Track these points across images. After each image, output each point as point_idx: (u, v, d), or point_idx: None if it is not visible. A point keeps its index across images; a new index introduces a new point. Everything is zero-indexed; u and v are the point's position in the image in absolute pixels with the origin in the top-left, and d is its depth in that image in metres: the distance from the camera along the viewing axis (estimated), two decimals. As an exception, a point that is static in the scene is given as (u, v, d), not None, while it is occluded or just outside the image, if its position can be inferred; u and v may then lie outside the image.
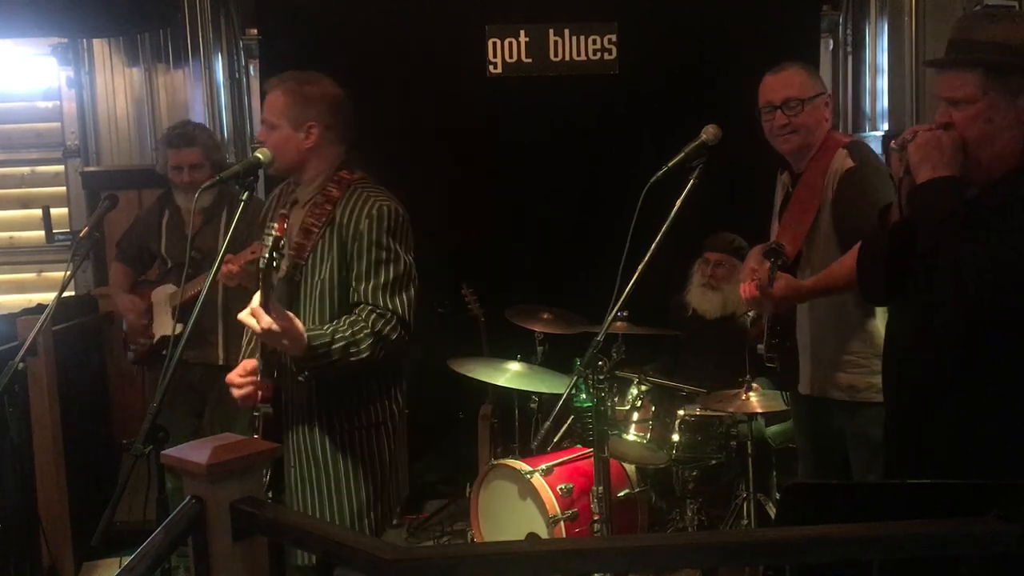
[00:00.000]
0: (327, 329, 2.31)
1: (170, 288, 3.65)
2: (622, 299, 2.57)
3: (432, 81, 4.68)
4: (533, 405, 4.18)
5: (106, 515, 2.06)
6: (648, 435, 3.67)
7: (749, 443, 3.51)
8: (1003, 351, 1.96)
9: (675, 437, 3.66)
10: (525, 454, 3.93)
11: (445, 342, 4.38)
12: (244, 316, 2.25)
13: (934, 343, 2.07)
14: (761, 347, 2.78)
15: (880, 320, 2.68)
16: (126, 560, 1.43)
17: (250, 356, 2.56)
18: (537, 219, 4.73)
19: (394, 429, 2.52)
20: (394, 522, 4.24)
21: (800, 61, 2.83)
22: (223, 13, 4.60)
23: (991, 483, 1.59)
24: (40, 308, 3.78)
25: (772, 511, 3.47)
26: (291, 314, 2.27)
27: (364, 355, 2.31)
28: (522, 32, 4.72)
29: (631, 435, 3.69)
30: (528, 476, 3.53)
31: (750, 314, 2.88)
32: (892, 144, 2.11)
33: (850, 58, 4.79)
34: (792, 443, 3.30)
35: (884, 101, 4.66)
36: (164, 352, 3.62)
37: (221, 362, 3.49)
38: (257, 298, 2.23)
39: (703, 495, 3.81)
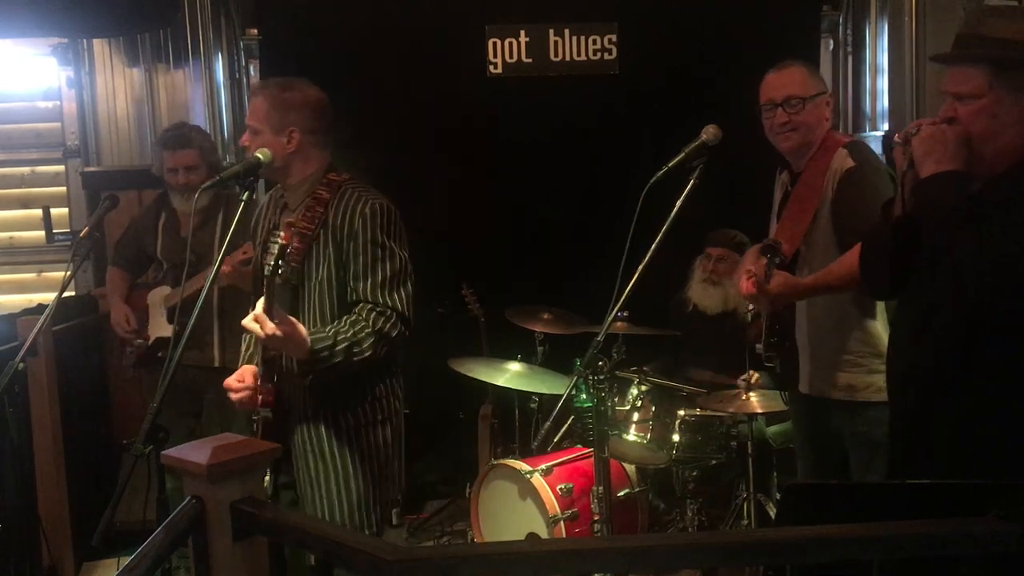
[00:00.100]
0: (329, 331, 2.32)
1: (165, 290, 3.65)
2: (622, 299, 2.57)
3: (432, 81, 4.68)
4: (533, 405, 4.18)
5: (106, 515, 2.07)
6: (648, 435, 3.67)
7: (749, 443, 3.50)
8: (1003, 352, 1.96)
9: (675, 437, 3.66)
10: (525, 454, 3.93)
11: (445, 342, 4.38)
12: (247, 322, 2.26)
13: (935, 343, 2.07)
14: (759, 346, 2.78)
15: (880, 320, 2.68)
16: (126, 560, 1.43)
17: (249, 361, 2.57)
18: (537, 219, 4.73)
19: (397, 424, 2.55)
20: (394, 522, 4.25)
21: (801, 60, 2.83)
22: (223, 13, 4.60)
23: (991, 483, 1.59)
24: (40, 308, 3.78)
25: (772, 511, 3.47)
26: (293, 319, 2.28)
27: (367, 354, 2.33)
28: (522, 32, 4.72)
29: (631, 435, 3.68)
30: (528, 476, 3.53)
31: (751, 308, 2.88)
32: (896, 138, 2.12)
33: (850, 58, 4.79)
34: (792, 443, 3.29)
35: (884, 101, 4.66)
36: (160, 354, 3.63)
37: (216, 364, 3.49)
38: (260, 304, 2.24)
39: (703, 495, 3.81)
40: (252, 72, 4.77)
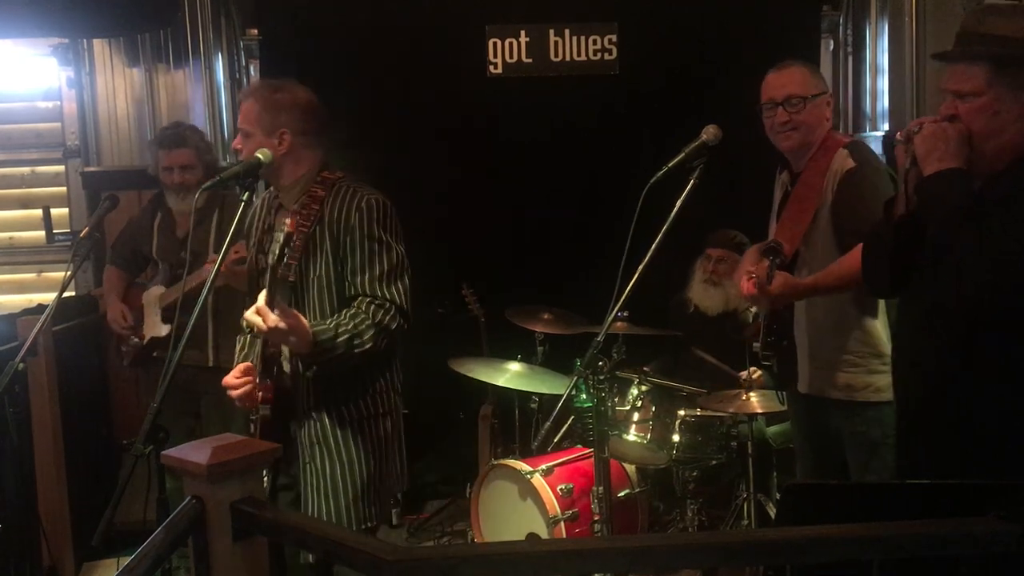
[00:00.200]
0: (330, 324, 2.35)
1: (160, 289, 3.66)
2: (622, 299, 2.57)
3: (432, 81, 4.68)
4: (533, 405, 4.18)
5: (107, 515, 2.07)
6: (648, 435, 3.67)
7: (749, 443, 3.50)
8: (1004, 350, 1.96)
9: (675, 437, 3.66)
10: (525, 454, 3.93)
11: (445, 342, 4.37)
12: (250, 315, 2.29)
13: (937, 342, 2.07)
14: (757, 345, 2.78)
15: (880, 320, 2.68)
16: (126, 560, 1.43)
17: (244, 360, 2.57)
18: (537, 219, 4.73)
19: (396, 419, 2.57)
20: (394, 522, 4.25)
21: (802, 60, 2.83)
22: (223, 13, 4.60)
23: (991, 483, 1.59)
24: (40, 308, 3.78)
25: (772, 511, 3.47)
26: (295, 311, 2.30)
27: (368, 346, 2.35)
28: (522, 32, 4.72)
29: (631, 435, 3.68)
30: (528, 476, 3.53)
31: (752, 310, 2.89)
32: (898, 136, 2.12)
33: (850, 58, 4.79)
34: (792, 443, 3.30)
35: (884, 101, 4.66)
36: (155, 354, 3.64)
37: (211, 363, 3.49)
38: (262, 297, 2.26)
39: (703, 495, 3.81)
40: (252, 72, 4.77)
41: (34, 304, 4.15)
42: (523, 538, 3.51)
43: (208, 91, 4.53)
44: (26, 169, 4.70)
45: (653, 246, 2.52)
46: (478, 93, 4.74)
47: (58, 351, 3.68)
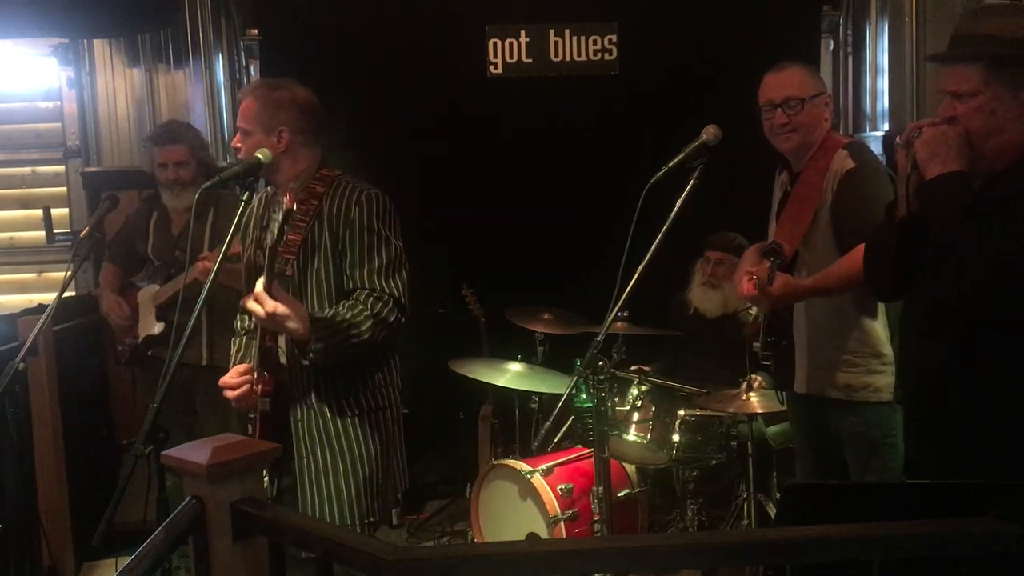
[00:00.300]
0: (328, 312, 2.36)
1: (155, 288, 3.66)
2: (622, 299, 2.57)
3: (432, 81, 4.68)
4: (533, 405, 4.18)
5: (107, 515, 2.07)
6: (648, 435, 3.67)
7: (749, 443, 3.50)
8: (1003, 351, 1.97)
9: (675, 437, 3.66)
10: (525, 454, 3.93)
11: (445, 342, 4.38)
12: (248, 301, 2.29)
13: (940, 343, 2.07)
14: (757, 345, 2.78)
15: (880, 320, 2.68)
16: (126, 560, 1.43)
17: (241, 361, 2.57)
18: (537, 219, 4.73)
19: (395, 415, 2.58)
20: (394, 522, 4.25)
21: (801, 61, 2.83)
22: (223, 13, 4.60)
23: (991, 483, 1.59)
24: (41, 308, 3.78)
25: (772, 511, 3.46)
26: (292, 298, 2.31)
27: (365, 336, 2.36)
28: (522, 32, 4.72)
29: (631, 435, 3.68)
30: (528, 476, 3.53)
31: (752, 311, 2.89)
32: (897, 140, 2.12)
33: (850, 58, 4.79)
34: (792, 443, 3.30)
35: (884, 101, 4.65)
36: (151, 352, 3.64)
37: (205, 362, 3.49)
38: (260, 283, 2.26)
39: (703, 495, 3.81)
40: (252, 72, 4.77)
41: (34, 304, 4.15)
42: (523, 538, 3.51)
43: (208, 91, 4.53)
44: (26, 169, 4.70)
45: (653, 246, 2.52)
46: (478, 93, 4.74)
47: (58, 351, 3.68)
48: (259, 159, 2.43)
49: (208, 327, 3.48)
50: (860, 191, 2.60)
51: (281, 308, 2.23)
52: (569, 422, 4.21)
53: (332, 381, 2.45)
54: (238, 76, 4.69)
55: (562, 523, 3.44)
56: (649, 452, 3.71)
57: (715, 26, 4.67)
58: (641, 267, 2.54)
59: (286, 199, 2.27)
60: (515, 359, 4.13)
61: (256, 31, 4.73)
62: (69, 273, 3.33)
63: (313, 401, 2.45)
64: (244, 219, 2.67)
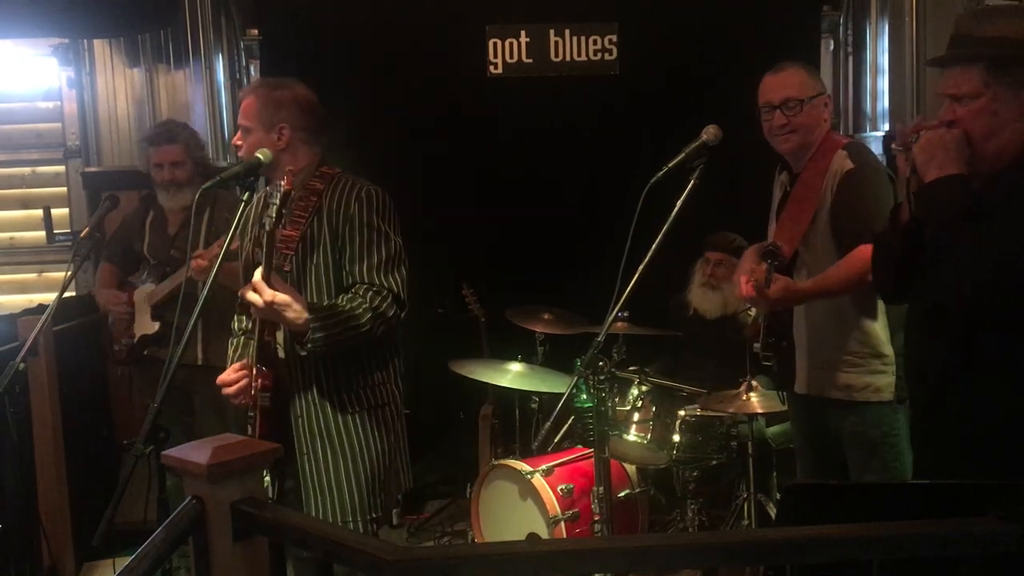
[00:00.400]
0: (327, 304, 2.37)
1: (151, 287, 3.66)
2: (623, 299, 2.57)
3: (432, 81, 4.68)
4: (534, 405, 4.18)
5: (107, 515, 2.07)
6: (649, 435, 3.67)
7: (750, 443, 3.50)
8: (1003, 351, 1.97)
9: (676, 437, 3.66)
10: (526, 454, 3.93)
11: (445, 342, 4.38)
12: (246, 291, 2.28)
13: (941, 344, 2.08)
14: (757, 346, 2.79)
15: (880, 320, 2.68)
16: (127, 560, 1.43)
17: (238, 360, 2.56)
18: (537, 219, 4.73)
19: (397, 412, 2.58)
20: (395, 522, 4.25)
21: (800, 61, 2.83)
22: (224, 13, 4.60)
23: (991, 483, 1.59)
24: (41, 308, 3.78)
25: (773, 511, 3.46)
26: (291, 287, 2.31)
27: (364, 329, 2.36)
28: (523, 32, 4.72)
29: (632, 435, 3.68)
30: (529, 476, 3.53)
31: (751, 311, 2.89)
32: (894, 145, 2.12)
33: (851, 59, 4.79)
34: (792, 443, 3.30)
35: (885, 102, 4.66)
36: (147, 352, 3.64)
37: (201, 362, 3.49)
38: (259, 273, 2.25)
39: (704, 495, 3.81)
40: (252, 72, 4.77)
41: (35, 304, 4.15)
42: (523, 538, 3.51)
43: (208, 91, 4.53)
44: (27, 169, 4.70)
45: (653, 246, 2.52)
46: (478, 93, 4.74)
47: (58, 351, 3.68)
48: (259, 159, 2.44)
49: (204, 327, 3.48)
50: (859, 192, 2.60)
51: (280, 297, 2.24)
52: (569, 422, 4.21)
53: (332, 377, 2.45)
54: (238, 76, 4.69)
55: (562, 523, 3.44)
56: (649, 452, 3.71)
57: (715, 26, 4.67)
58: (641, 267, 2.54)
59: (283, 182, 2.26)
60: (515, 359, 4.13)
61: (256, 31, 4.73)
62: (69, 273, 3.33)
63: (313, 397, 2.45)
64: (243, 218, 2.67)
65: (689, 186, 2.55)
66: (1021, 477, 1.89)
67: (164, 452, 1.67)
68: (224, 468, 1.51)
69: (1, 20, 3.81)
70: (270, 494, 2.40)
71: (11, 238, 4.71)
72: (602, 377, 2.88)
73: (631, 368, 3.85)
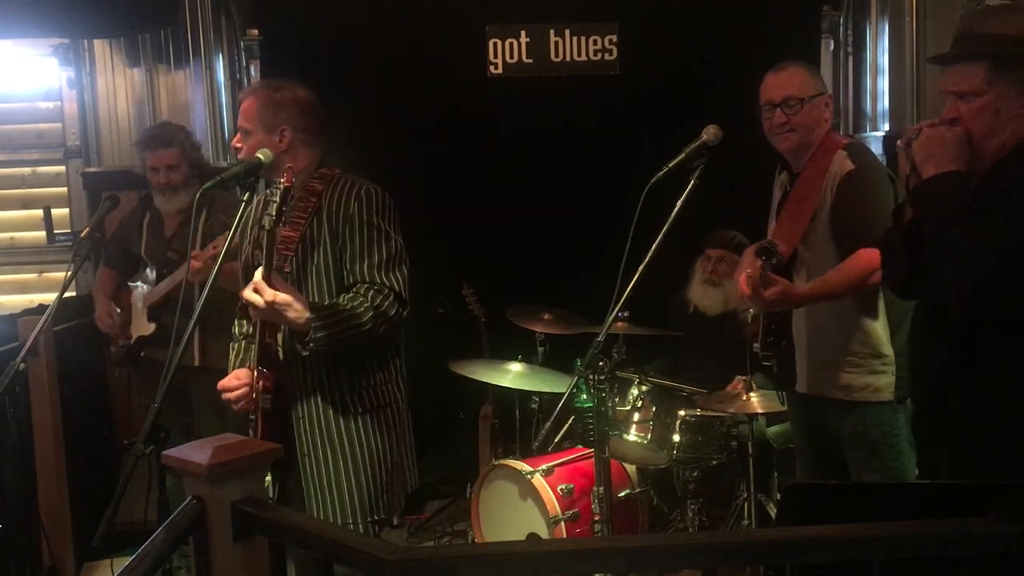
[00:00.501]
0: (329, 303, 2.37)
1: (147, 288, 3.66)
2: (623, 299, 2.57)
3: (432, 81, 4.68)
4: (534, 405, 4.18)
5: (107, 515, 2.07)
6: (649, 435, 3.67)
7: (750, 443, 3.50)
8: (1003, 351, 1.97)
9: (676, 437, 3.66)
10: (526, 454, 3.93)
11: (445, 342, 4.38)
12: (247, 293, 2.27)
13: (942, 342, 2.08)
14: (757, 346, 2.79)
15: (880, 320, 2.68)
16: (127, 560, 1.43)
17: (241, 366, 2.56)
18: (537, 219, 4.73)
19: (399, 412, 2.58)
20: (395, 522, 4.25)
21: (801, 61, 2.83)
22: (224, 14, 4.60)
23: (991, 483, 1.59)
24: (41, 308, 3.78)
25: (773, 511, 3.47)
26: (292, 287, 2.30)
27: (366, 328, 2.35)
28: (523, 32, 4.72)
29: (632, 435, 3.68)
30: (529, 476, 3.53)
31: (750, 311, 2.89)
32: (898, 143, 2.12)
33: (851, 58, 4.79)
34: (793, 443, 3.30)
35: (885, 102, 4.65)
36: (143, 353, 3.64)
37: (197, 363, 3.49)
38: (259, 273, 2.25)
39: (704, 495, 3.81)
40: (253, 72, 4.77)
41: (35, 304, 4.15)
42: (523, 538, 3.51)
43: (209, 91, 4.53)
44: (27, 169, 4.70)
45: (653, 246, 2.52)
46: (478, 93, 4.74)
47: (59, 351, 3.68)
48: (260, 159, 2.44)
49: (201, 328, 3.47)
50: (859, 193, 2.60)
51: (281, 296, 2.23)
52: (569, 422, 4.21)
53: (334, 378, 2.45)
54: (238, 76, 4.69)
55: (562, 523, 3.44)
56: (649, 452, 3.71)
57: (715, 26, 4.67)
58: (641, 267, 2.54)
59: (283, 180, 2.26)
60: (515, 359, 4.13)
61: (256, 31, 4.73)
62: (69, 273, 3.33)
63: (315, 398, 2.45)
64: (243, 219, 2.67)
65: (689, 186, 2.55)
66: (1021, 477, 1.89)
67: (164, 452, 1.67)
68: (224, 468, 1.51)
69: (1, 20, 3.81)
70: (270, 494, 2.40)
71: (11, 238, 4.71)
72: (602, 377, 2.88)
73: (630, 369, 3.85)
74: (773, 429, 3.82)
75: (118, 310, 3.77)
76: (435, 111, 4.71)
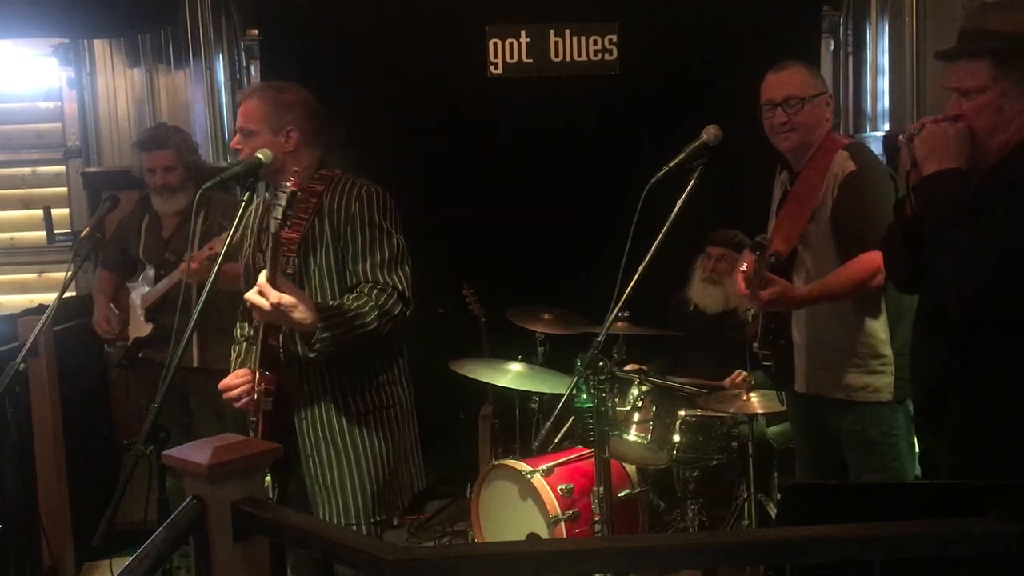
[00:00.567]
0: (334, 303, 2.36)
1: (145, 290, 3.67)
2: (623, 299, 2.57)
3: (432, 81, 4.68)
4: (534, 405, 4.18)
5: (107, 515, 2.07)
6: (649, 435, 3.67)
7: (750, 443, 3.50)
8: (1003, 352, 1.97)
9: (676, 437, 3.66)
10: (526, 454, 3.93)
11: (445, 342, 4.37)
12: (251, 295, 2.24)
13: (943, 340, 2.08)
14: (756, 345, 2.79)
15: (880, 320, 2.68)
16: (127, 560, 1.43)
17: (241, 366, 2.56)
18: (537, 219, 4.73)
19: (402, 413, 2.57)
20: (395, 523, 4.25)
21: (802, 61, 2.83)
22: (224, 14, 4.60)
23: (991, 483, 1.59)
24: (41, 309, 3.78)
25: (773, 511, 3.46)
26: (297, 288, 2.29)
27: (371, 327, 2.34)
28: (523, 32, 4.72)
29: (632, 435, 3.68)
30: (529, 476, 3.53)
31: (750, 311, 2.89)
32: (900, 138, 2.12)
33: (851, 58, 4.79)
34: (793, 443, 3.30)
35: (885, 102, 4.65)
36: (141, 354, 3.64)
37: (196, 364, 3.49)
38: (263, 276, 2.24)
39: (704, 495, 3.81)
40: (253, 72, 4.77)
41: (35, 304, 4.15)
42: (523, 538, 3.51)
43: (209, 91, 4.53)
44: (27, 169, 4.70)
45: (653, 246, 2.52)
46: (478, 93, 4.74)
47: (59, 351, 3.69)
48: (260, 159, 2.43)
49: (200, 329, 3.47)
50: (860, 193, 2.60)
51: (286, 298, 2.21)
52: (569, 422, 4.21)
53: (336, 379, 2.45)
54: (238, 76, 4.69)
55: (562, 523, 3.44)
56: (650, 452, 3.71)
57: (715, 26, 4.67)
58: (641, 267, 2.54)
59: (289, 183, 2.27)
60: (515, 359, 4.13)
61: (256, 31, 4.73)
62: (69, 273, 3.33)
63: (317, 399, 2.45)
64: (243, 220, 2.67)
65: (689, 186, 2.54)
66: (1021, 477, 1.89)
67: (164, 452, 1.67)
68: (224, 468, 1.51)
69: (1, 20, 3.81)
70: (270, 495, 2.40)
71: (11, 238, 4.71)
72: (602, 377, 2.88)
73: (627, 368, 3.85)
74: (773, 429, 3.82)
75: (117, 312, 3.78)
76: (435, 111, 4.71)
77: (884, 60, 4.63)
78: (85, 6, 3.88)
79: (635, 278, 2.54)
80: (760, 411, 3.42)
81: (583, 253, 4.53)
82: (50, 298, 3.59)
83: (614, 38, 4.71)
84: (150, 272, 3.65)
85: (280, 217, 2.25)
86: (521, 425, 4.26)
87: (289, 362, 2.45)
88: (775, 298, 2.55)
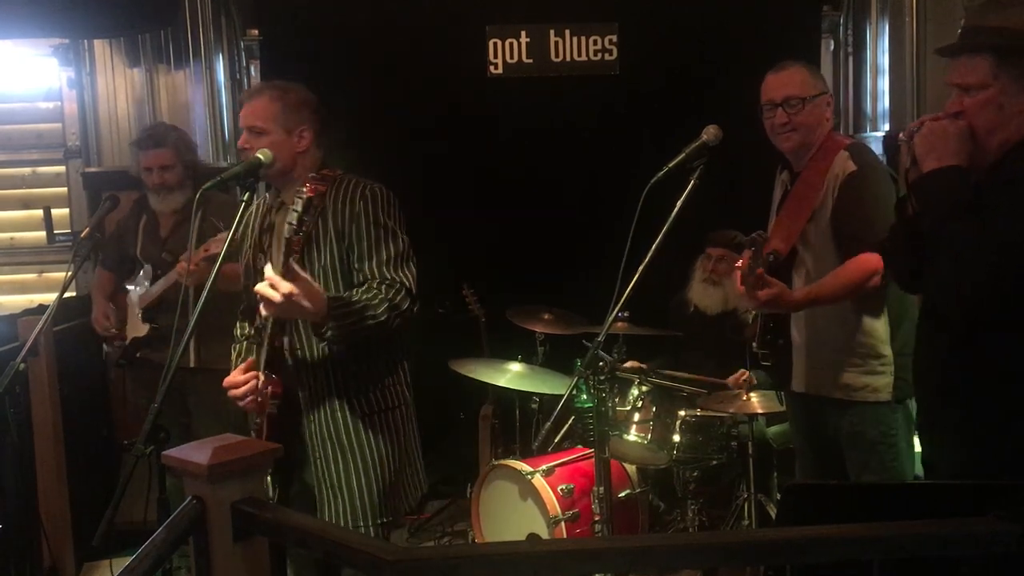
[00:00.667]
0: (344, 294, 2.35)
1: (143, 290, 3.66)
2: (623, 299, 2.57)
3: (432, 81, 4.69)
4: (534, 405, 4.18)
5: (107, 515, 2.07)
6: (649, 436, 3.67)
7: (750, 443, 3.50)
8: (1003, 351, 1.96)
9: (676, 438, 3.66)
10: (526, 454, 3.93)
11: (445, 342, 4.38)
12: (262, 287, 2.22)
13: (943, 339, 2.08)
14: (755, 345, 2.78)
15: (880, 320, 2.68)
16: (127, 560, 1.43)
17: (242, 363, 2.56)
18: (537, 219, 4.73)
19: (408, 414, 2.58)
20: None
21: (802, 61, 2.83)
22: (224, 14, 4.60)
23: (991, 483, 1.59)
24: (41, 309, 3.78)
25: (773, 512, 3.47)
26: (308, 277, 2.25)
27: (381, 319, 2.33)
28: (523, 32, 4.72)
29: (632, 436, 3.68)
30: (529, 477, 3.53)
31: (750, 312, 2.89)
32: (901, 135, 2.12)
33: (851, 59, 4.79)
34: (792, 443, 3.30)
35: (885, 102, 4.65)
36: (139, 354, 3.64)
37: (193, 364, 3.48)
38: (269, 269, 2.25)
39: (704, 495, 3.81)
40: (253, 72, 4.77)
41: (35, 304, 4.15)
42: (524, 538, 3.51)
43: (209, 91, 4.53)
44: (27, 169, 4.70)
45: (653, 246, 2.52)
46: (478, 93, 4.74)
47: (59, 351, 3.69)
48: (260, 159, 2.43)
49: (199, 330, 3.47)
50: (860, 194, 2.60)
51: (296, 289, 2.18)
52: (570, 422, 4.21)
53: (342, 380, 2.44)
54: (238, 76, 4.69)
55: (563, 523, 3.44)
56: (650, 452, 3.71)
57: (715, 26, 4.68)
58: (641, 267, 2.54)
59: (306, 188, 2.27)
60: (515, 359, 4.13)
61: (256, 31, 4.73)
62: (69, 273, 3.33)
63: (324, 401, 2.44)
64: (243, 221, 2.67)
65: (689, 186, 2.54)
66: (1021, 477, 1.89)
67: (164, 452, 1.67)
68: (224, 468, 1.51)
69: (1, 20, 3.81)
70: (270, 495, 2.40)
71: (11, 238, 4.71)
72: (602, 377, 2.88)
73: (627, 366, 3.85)
74: (773, 429, 3.82)
75: (115, 310, 3.77)
76: (435, 111, 4.72)
77: (884, 60, 4.63)
78: (85, 6, 3.88)
79: (635, 278, 2.54)
80: (760, 411, 3.42)
81: (583, 253, 4.53)
82: (50, 298, 3.59)
83: (614, 38, 4.71)
84: (148, 271, 3.65)
85: (295, 223, 2.25)
86: (521, 425, 4.26)
87: (296, 364, 2.44)
88: (771, 299, 2.54)
